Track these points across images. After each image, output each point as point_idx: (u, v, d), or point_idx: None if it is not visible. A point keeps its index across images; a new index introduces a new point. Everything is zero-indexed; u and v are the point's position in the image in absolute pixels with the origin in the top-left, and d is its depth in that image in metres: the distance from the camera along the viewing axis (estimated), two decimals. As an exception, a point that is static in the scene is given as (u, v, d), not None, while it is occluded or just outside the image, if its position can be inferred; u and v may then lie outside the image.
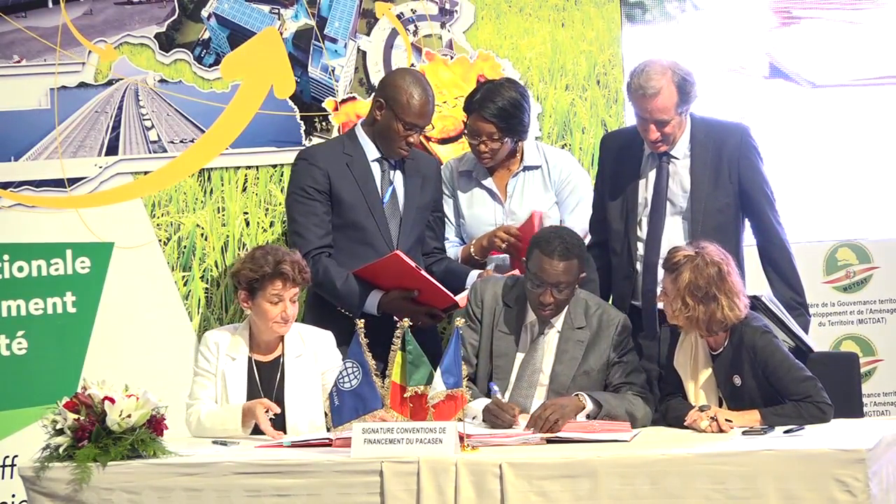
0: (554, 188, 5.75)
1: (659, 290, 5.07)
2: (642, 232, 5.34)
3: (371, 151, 5.60)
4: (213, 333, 5.25)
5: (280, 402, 5.08)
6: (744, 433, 4.54)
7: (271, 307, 5.11)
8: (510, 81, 5.77)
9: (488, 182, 5.77)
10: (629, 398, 4.95)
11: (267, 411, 4.94)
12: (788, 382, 4.76)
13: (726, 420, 4.65)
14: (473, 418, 4.81)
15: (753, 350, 4.80)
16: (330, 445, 4.63)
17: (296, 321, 5.23)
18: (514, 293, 5.14)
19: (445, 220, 5.80)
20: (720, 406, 4.84)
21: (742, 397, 4.82)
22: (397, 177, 5.62)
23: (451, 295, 5.42)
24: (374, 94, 5.70)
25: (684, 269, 4.81)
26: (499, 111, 5.61)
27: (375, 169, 5.60)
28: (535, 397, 5.05)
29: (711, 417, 4.66)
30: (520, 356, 5.09)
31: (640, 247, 5.34)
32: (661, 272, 5.22)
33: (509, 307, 5.12)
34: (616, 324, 5.09)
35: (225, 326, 5.42)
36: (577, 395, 4.91)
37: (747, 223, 5.40)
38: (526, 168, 5.76)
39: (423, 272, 5.41)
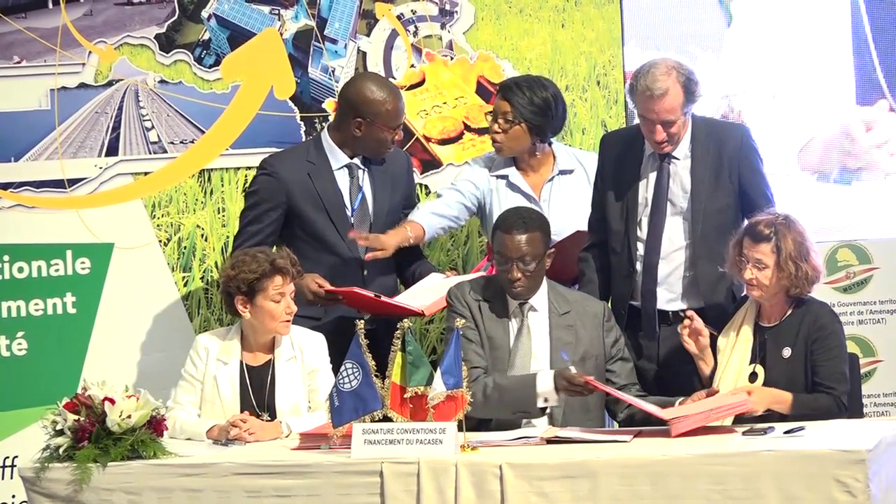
0: None
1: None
2: (642, 232, 5.34)
3: (337, 159, 5.58)
4: (204, 337, 5.23)
5: (270, 405, 5.07)
6: (744, 433, 4.54)
7: (275, 305, 5.08)
8: (550, 83, 5.70)
9: (524, 186, 5.68)
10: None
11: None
12: (827, 367, 4.81)
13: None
14: (546, 399, 4.88)
15: (817, 322, 4.86)
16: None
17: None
18: (490, 289, 5.16)
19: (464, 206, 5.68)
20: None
21: (786, 370, 4.85)
22: (366, 181, 5.60)
23: (412, 307, 5.35)
24: (341, 108, 5.64)
25: (785, 232, 4.88)
26: (517, 90, 5.58)
27: (341, 177, 5.58)
28: None
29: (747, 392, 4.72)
30: (512, 344, 5.09)
31: (640, 247, 5.33)
32: (661, 272, 5.24)
33: (490, 302, 5.13)
34: (603, 310, 5.16)
35: (217, 330, 5.38)
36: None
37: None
38: (561, 172, 5.71)
39: (384, 298, 5.37)
